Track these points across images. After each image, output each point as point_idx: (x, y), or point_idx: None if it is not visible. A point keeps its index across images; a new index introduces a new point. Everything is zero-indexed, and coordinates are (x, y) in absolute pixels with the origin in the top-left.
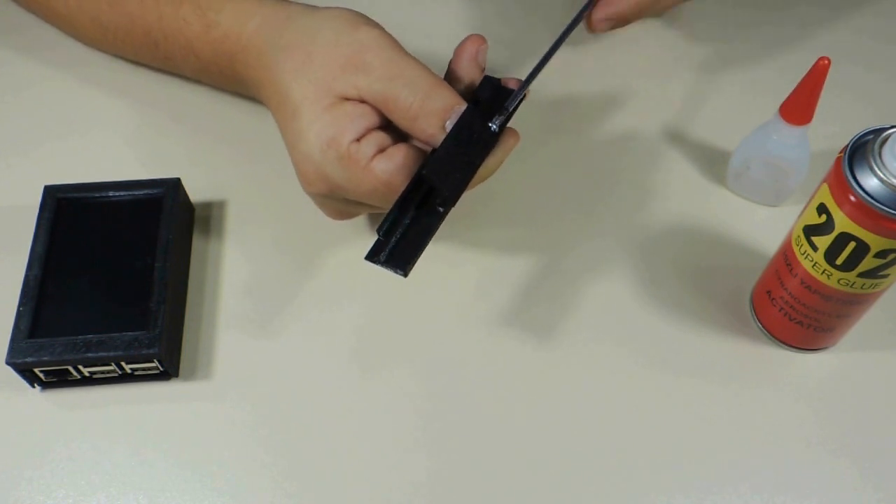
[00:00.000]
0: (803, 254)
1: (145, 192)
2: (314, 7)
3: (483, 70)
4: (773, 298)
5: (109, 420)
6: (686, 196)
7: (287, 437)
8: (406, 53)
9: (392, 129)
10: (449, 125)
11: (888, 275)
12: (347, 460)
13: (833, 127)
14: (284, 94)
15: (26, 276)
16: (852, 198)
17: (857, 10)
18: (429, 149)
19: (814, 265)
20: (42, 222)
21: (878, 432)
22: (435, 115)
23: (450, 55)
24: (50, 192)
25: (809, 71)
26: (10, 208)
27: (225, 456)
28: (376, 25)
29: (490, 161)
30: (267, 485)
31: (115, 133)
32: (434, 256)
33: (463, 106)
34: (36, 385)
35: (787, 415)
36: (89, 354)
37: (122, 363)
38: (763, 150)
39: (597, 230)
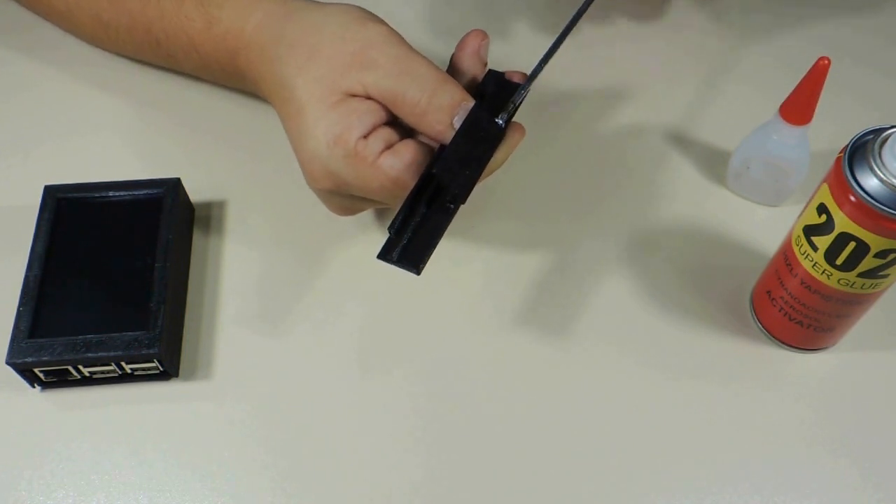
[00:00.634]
0: (803, 254)
1: (145, 192)
2: (318, 2)
3: (485, 65)
4: (773, 298)
5: (109, 420)
6: (686, 196)
7: (287, 437)
8: (412, 50)
9: (398, 126)
10: (457, 121)
11: (888, 275)
12: (348, 460)
13: (833, 127)
14: (289, 90)
15: (26, 276)
16: (852, 198)
17: (858, 10)
18: (436, 145)
19: (814, 265)
20: (42, 222)
21: (878, 432)
22: (443, 111)
23: (451, 50)
24: (50, 192)
25: (809, 71)
26: (10, 208)
27: (225, 456)
28: (382, 22)
29: (497, 156)
30: (267, 485)
31: (115, 133)
32: (436, 256)
33: (471, 102)
34: (36, 385)
35: (787, 415)
36: (89, 354)
37: (122, 363)
38: (763, 150)
39: (596, 230)
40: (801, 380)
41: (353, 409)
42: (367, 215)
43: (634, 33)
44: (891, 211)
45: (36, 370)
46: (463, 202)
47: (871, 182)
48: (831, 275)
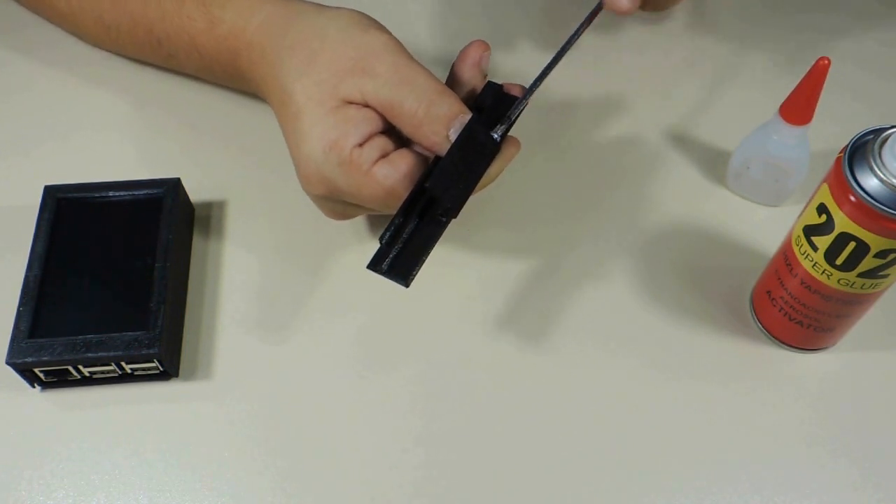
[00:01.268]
0: (803, 254)
1: (145, 192)
2: (321, 6)
3: (485, 76)
4: (773, 298)
5: (109, 420)
6: (686, 196)
7: (287, 437)
8: (413, 59)
9: (395, 135)
10: (453, 133)
11: (888, 275)
12: (347, 460)
13: (833, 127)
14: (288, 93)
15: (26, 276)
16: (852, 198)
17: (857, 10)
18: (431, 155)
19: (814, 265)
20: (42, 222)
21: (878, 432)
22: (439, 122)
23: (453, 58)
24: (50, 192)
25: (809, 71)
26: (10, 208)
27: (225, 456)
28: (384, 30)
29: (491, 170)
30: (267, 485)
31: (116, 133)
32: (436, 259)
33: (468, 115)
34: (36, 385)
35: (787, 415)
36: (89, 354)
37: (122, 363)
38: (763, 150)
39: (597, 230)
40: (801, 380)
41: (352, 409)
42: (366, 217)
43: (634, 34)
44: (891, 211)
45: (36, 370)
46: (455, 216)
47: (871, 182)
48: (831, 275)
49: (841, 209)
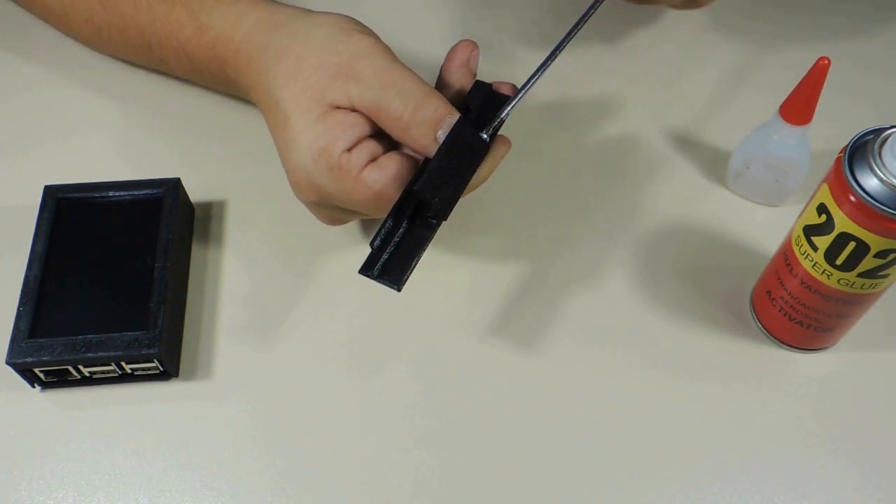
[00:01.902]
0: (803, 254)
1: (145, 192)
2: (307, 11)
3: (474, 76)
4: (773, 298)
5: (109, 420)
6: (686, 196)
7: (287, 437)
8: (398, 62)
9: (384, 138)
10: (441, 135)
11: (888, 275)
12: (347, 460)
13: (833, 127)
14: (276, 101)
15: (26, 276)
16: (852, 198)
17: (857, 11)
18: (421, 157)
19: (814, 265)
20: (42, 222)
21: (878, 432)
22: (426, 124)
23: (441, 59)
24: (50, 192)
25: (809, 71)
26: (10, 208)
27: (225, 456)
28: (369, 33)
29: (482, 170)
30: (267, 485)
31: (115, 133)
32: (436, 260)
33: (455, 116)
34: (36, 385)
35: (787, 415)
36: (89, 354)
37: (122, 363)
38: (763, 150)
39: (597, 230)
40: (801, 380)
41: (352, 409)
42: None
43: (633, 34)
44: (891, 211)
45: (36, 370)
46: (444, 218)
47: (871, 182)
48: (831, 275)
49: (841, 209)
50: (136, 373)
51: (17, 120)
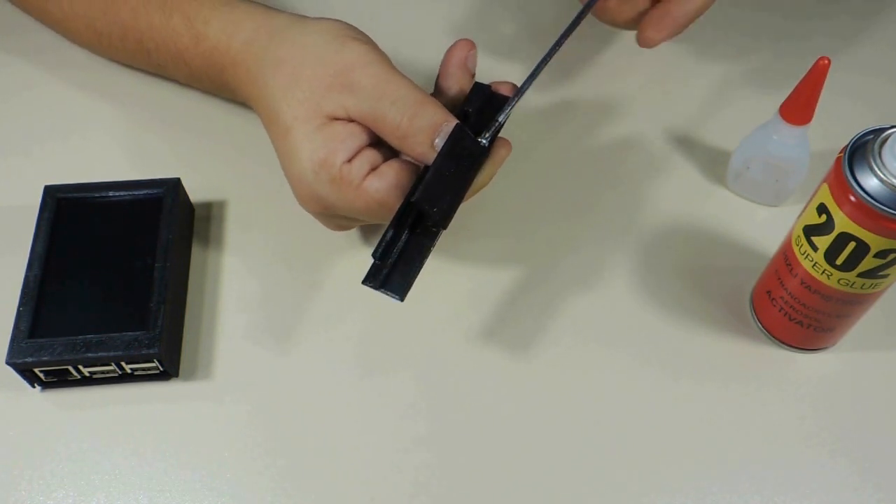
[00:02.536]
0: (803, 254)
1: (145, 192)
2: (302, 18)
3: (473, 75)
4: (773, 298)
5: (109, 420)
6: (686, 196)
7: (287, 437)
8: (393, 69)
9: (383, 145)
10: (438, 143)
11: (888, 275)
12: (347, 460)
13: (833, 127)
14: (275, 112)
15: (26, 276)
16: (852, 198)
17: (858, 10)
18: (421, 164)
19: (814, 265)
20: (42, 222)
21: (878, 432)
22: (423, 133)
23: (439, 60)
24: (50, 192)
25: (809, 71)
26: (10, 208)
27: (225, 456)
28: (365, 39)
29: (481, 175)
30: (267, 485)
31: (115, 133)
32: (434, 260)
33: (452, 123)
34: (36, 385)
35: (787, 415)
36: (89, 354)
37: (122, 363)
38: (763, 150)
39: (597, 231)
40: (801, 380)
41: (352, 409)
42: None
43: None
44: (891, 211)
45: (36, 370)
46: (445, 226)
47: (871, 182)
48: (831, 275)
49: (841, 209)
50: (136, 373)
51: (17, 120)
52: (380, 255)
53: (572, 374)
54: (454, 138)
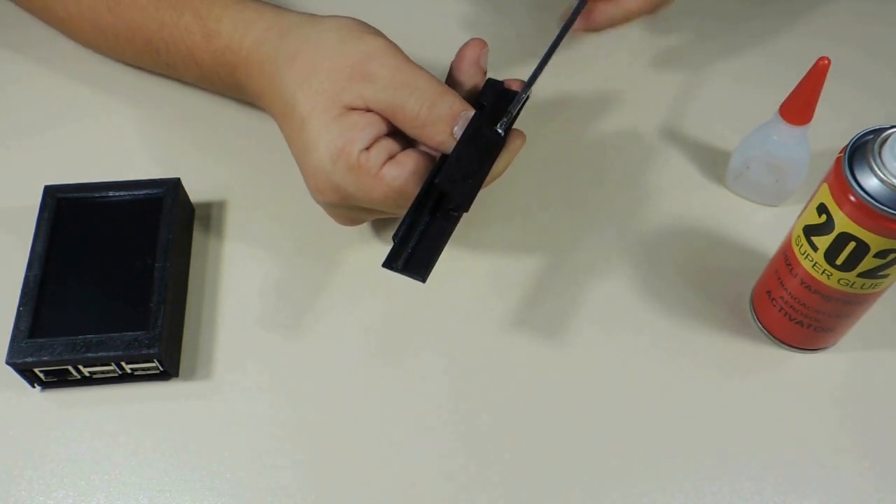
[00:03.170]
0: (803, 254)
1: (145, 192)
2: (316, 16)
3: (485, 73)
4: (773, 298)
5: (109, 420)
6: (686, 196)
7: (287, 436)
8: (410, 61)
9: (399, 136)
10: (457, 131)
11: (888, 275)
12: (347, 460)
13: (833, 127)
14: (290, 105)
15: (26, 276)
16: (852, 198)
17: (858, 10)
18: (437, 154)
19: (814, 265)
20: (42, 222)
21: (879, 432)
22: (442, 122)
23: (446, 59)
24: (50, 192)
25: (809, 71)
26: (10, 208)
27: (225, 456)
28: (380, 34)
29: (498, 164)
30: (267, 485)
31: (116, 133)
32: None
33: (470, 112)
34: (36, 385)
35: (786, 414)
36: (89, 354)
37: (122, 363)
38: (763, 150)
39: (597, 231)
40: (800, 380)
41: (353, 409)
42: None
43: (633, 33)
44: (891, 211)
45: (36, 370)
46: (466, 210)
47: (871, 182)
48: (831, 275)
49: (841, 209)
50: (136, 373)
51: (17, 119)
52: (400, 238)
53: (571, 373)
54: (473, 126)
